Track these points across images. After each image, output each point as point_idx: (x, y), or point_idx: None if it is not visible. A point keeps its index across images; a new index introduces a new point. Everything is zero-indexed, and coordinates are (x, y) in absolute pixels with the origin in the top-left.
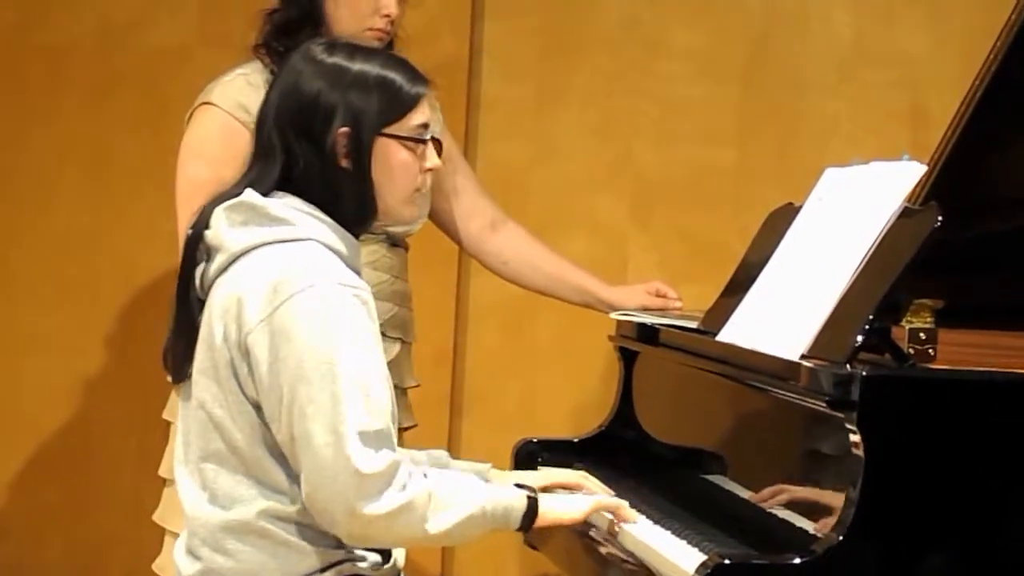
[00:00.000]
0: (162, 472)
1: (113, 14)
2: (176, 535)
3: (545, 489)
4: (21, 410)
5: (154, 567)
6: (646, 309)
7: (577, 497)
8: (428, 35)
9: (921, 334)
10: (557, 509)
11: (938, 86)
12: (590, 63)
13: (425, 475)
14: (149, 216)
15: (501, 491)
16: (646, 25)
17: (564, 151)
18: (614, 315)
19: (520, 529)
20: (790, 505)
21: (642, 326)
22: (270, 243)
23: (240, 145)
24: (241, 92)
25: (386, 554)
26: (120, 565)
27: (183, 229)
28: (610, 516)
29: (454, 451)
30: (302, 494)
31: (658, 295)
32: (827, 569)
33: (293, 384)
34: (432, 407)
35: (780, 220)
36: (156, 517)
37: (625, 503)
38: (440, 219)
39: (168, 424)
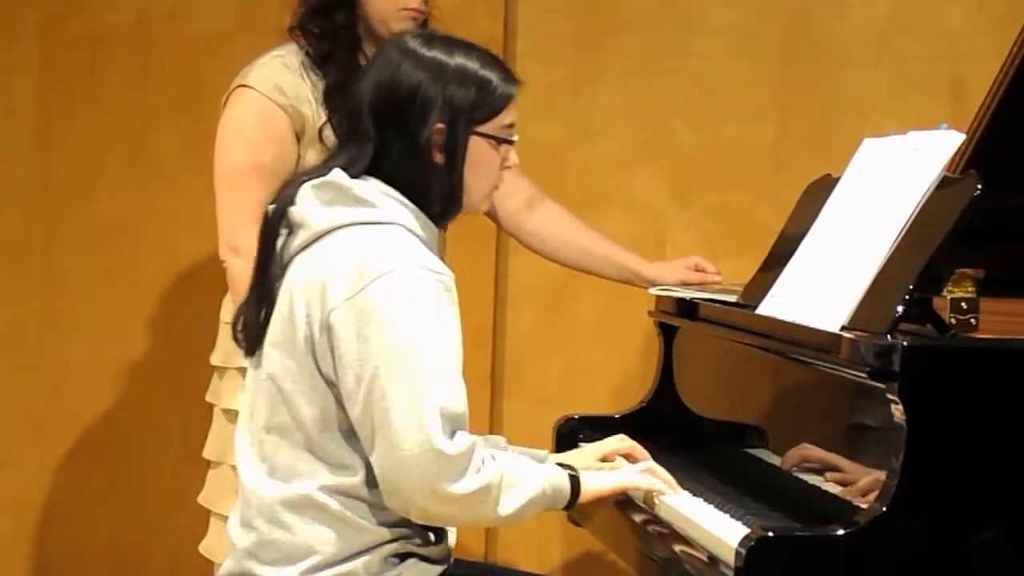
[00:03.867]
0: (206, 454)
1: (150, 2)
2: (221, 516)
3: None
4: (65, 397)
5: (201, 549)
6: (685, 284)
7: (614, 471)
8: (463, 15)
9: (963, 304)
10: (594, 484)
11: (976, 58)
12: (626, 42)
13: (494, 457)
14: (190, 202)
15: (552, 471)
16: (682, 2)
17: (601, 130)
18: (653, 290)
19: (566, 507)
20: (833, 476)
21: (681, 301)
22: (355, 224)
23: (278, 127)
24: (277, 74)
25: (440, 533)
26: (166, 548)
27: (223, 211)
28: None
29: (496, 430)
30: (377, 474)
31: (697, 270)
32: (871, 540)
33: (376, 366)
34: (473, 387)
35: (818, 191)
36: (201, 499)
37: (654, 480)
38: None
39: (211, 407)
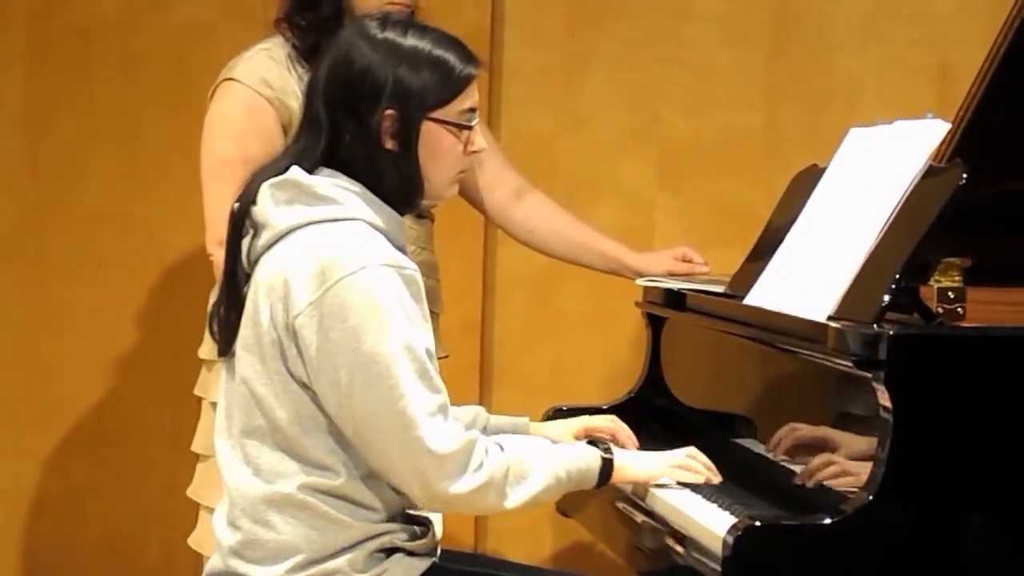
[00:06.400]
0: (195, 448)
1: None
2: (210, 510)
3: (580, 436)
4: (56, 388)
5: (190, 542)
6: (672, 275)
7: (651, 457)
8: (450, 5)
9: (949, 293)
10: (631, 466)
11: (964, 43)
12: (615, 29)
13: (501, 447)
14: (179, 192)
15: (575, 453)
16: None
17: (590, 119)
18: (641, 281)
19: (596, 487)
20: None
21: (669, 292)
22: (316, 222)
23: (264, 120)
24: (264, 67)
25: (424, 527)
26: (156, 541)
27: (210, 205)
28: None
29: None
30: (377, 472)
31: (684, 260)
32: (857, 529)
33: (350, 369)
34: (462, 377)
35: (805, 182)
36: (190, 492)
37: (697, 466)
38: (465, 190)
39: (200, 400)
